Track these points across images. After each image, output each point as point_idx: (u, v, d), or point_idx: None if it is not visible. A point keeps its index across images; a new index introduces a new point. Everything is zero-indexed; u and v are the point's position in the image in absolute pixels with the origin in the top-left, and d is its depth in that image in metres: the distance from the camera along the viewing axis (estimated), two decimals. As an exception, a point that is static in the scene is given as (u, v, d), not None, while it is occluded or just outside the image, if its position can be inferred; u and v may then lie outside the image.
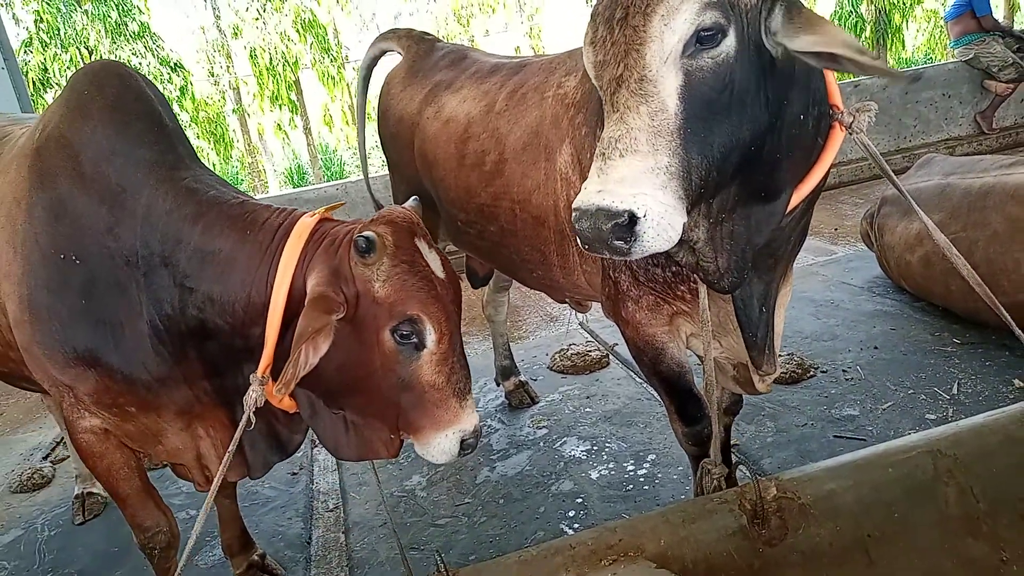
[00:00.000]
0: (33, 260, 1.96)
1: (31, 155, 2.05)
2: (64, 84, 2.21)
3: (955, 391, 3.30)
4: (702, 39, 1.41)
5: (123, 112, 2.06)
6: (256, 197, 2.49)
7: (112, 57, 12.41)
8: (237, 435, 1.89)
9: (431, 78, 3.14)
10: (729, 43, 1.43)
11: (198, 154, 2.31)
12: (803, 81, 1.61)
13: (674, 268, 2.03)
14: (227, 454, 1.90)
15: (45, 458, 4.14)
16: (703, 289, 1.89)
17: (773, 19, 1.47)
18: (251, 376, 1.90)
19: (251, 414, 1.87)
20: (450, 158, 2.82)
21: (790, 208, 1.75)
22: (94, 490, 3.49)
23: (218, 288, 1.95)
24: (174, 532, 2.30)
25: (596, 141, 2.16)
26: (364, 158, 4.04)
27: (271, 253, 1.92)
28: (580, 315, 3.72)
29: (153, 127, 2.09)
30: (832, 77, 1.73)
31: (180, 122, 2.36)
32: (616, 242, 1.35)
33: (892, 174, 1.85)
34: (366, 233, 1.79)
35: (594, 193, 1.36)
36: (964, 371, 3.46)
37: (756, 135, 1.54)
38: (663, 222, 1.36)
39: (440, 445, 1.90)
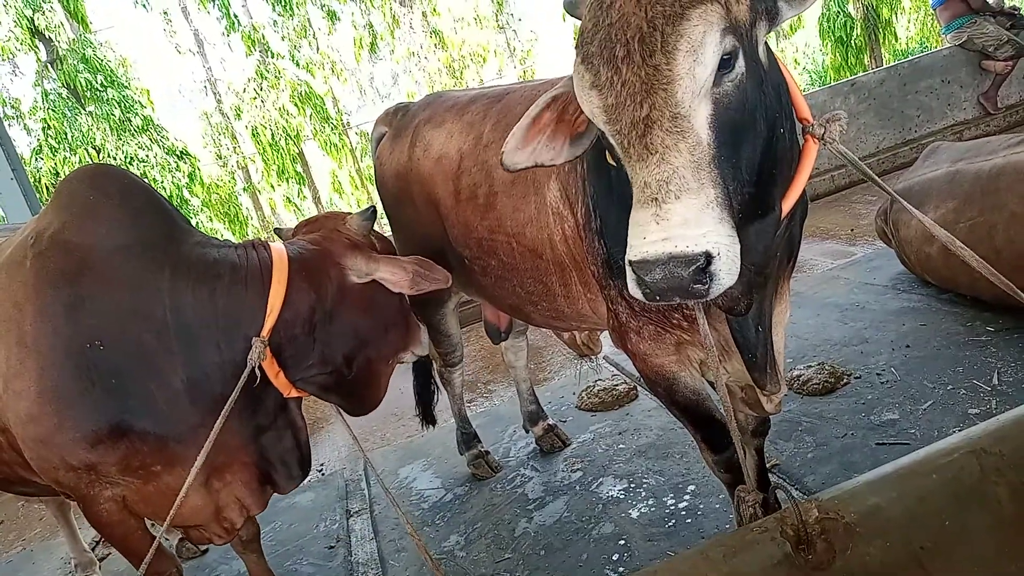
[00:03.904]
0: (53, 354, 2.10)
1: (33, 260, 2.18)
2: (57, 188, 2.37)
3: (995, 381, 3.18)
4: (722, 64, 1.39)
5: (132, 208, 2.28)
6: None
7: (119, 152, 12.74)
8: (241, 383, 2.17)
9: (412, 125, 3.15)
10: (740, 62, 1.43)
11: (212, 235, 2.63)
12: (776, 94, 1.61)
13: None
14: (230, 401, 2.16)
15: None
16: (701, 315, 1.84)
17: (760, 27, 1.48)
18: (253, 339, 2.21)
19: (255, 369, 2.19)
20: (448, 195, 2.81)
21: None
22: None
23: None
24: (180, 569, 2.60)
25: (578, 178, 2.16)
26: None
27: (267, 273, 2.32)
28: (597, 354, 3.67)
29: (159, 213, 2.34)
30: (797, 91, 1.72)
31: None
32: (695, 286, 1.32)
33: (875, 176, 1.81)
34: (366, 209, 2.58)
35: (659, 241, 1.31)
36: (1002, 359, 3.34)
37: (763, 151, 1.54)
38: (731, 255, 1.34)
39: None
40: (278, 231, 2.80)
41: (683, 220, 1.31)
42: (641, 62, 1.36)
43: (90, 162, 12.03)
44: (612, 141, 1.46)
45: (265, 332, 2.23)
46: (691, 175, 1.34)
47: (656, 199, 1.33)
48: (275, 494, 2.60)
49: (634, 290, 1.41)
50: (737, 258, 1.35)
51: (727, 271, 1.33)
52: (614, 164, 1.70)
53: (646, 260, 1.32)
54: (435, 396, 3.87)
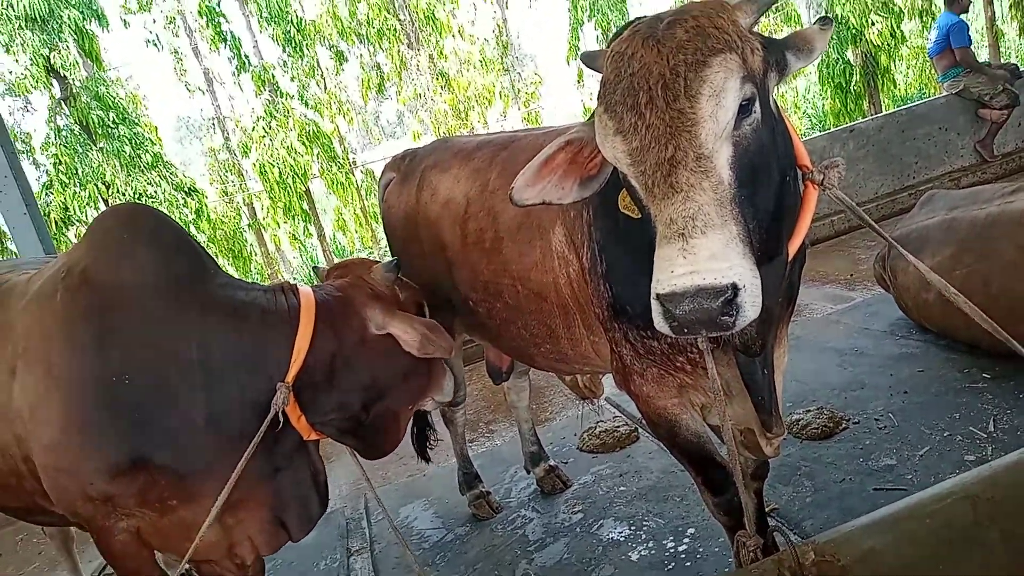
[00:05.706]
0: (80, 385, 2.15)
1: (63, 294, 2.24)
2: (90, 226, 2.44)
3: (991, 428, 3.22)
4: (741, 109, 1.48)
5: (162, 248, 2.34)
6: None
7: (128, 188, 12.91)
8: (264, 427, 2.20)
9: (419, 170, 3.23)
10: (757, 108, 1.52)
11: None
12: (783, 141, 1.70)
13: (669, 340, 2.03)
14: (252, 444, 2.19)
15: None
16: (710, 357, 1.89)
17: (771, 78, 1.58)
18: (278, 384, 2.25)
19: (279, 413, 2.22)
20: (455, 239, 2.88)
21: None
22: None
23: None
24: None
25: (583, 223, 2.23)
26: None
27: (294, 318, 2.35)
28: (599, 397, 3.71)
29: (189, 254, 2.39)
30: (797, 139, 1.79)
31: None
32: (723, 318, 1.37)
33: (873, 223, 1.89)
34: (390, 261, 2.61)
35: (687, 275, 1.37)
36: (998, 406, 3.38)
37: (775, 193, 1.62)
38: (755, 288, 1.40)
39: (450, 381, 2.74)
40: (315, 269, 2.88)
41: (710, 254, 1.37)
42: (665, 106, 1.44)
43: (99, 197, 12.16)
44: (635, 183, 1.53)
45: (290, 377, 2.27)
46: (715, 211, 1.41)
47: (683, 234, 1.39)
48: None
49: (660, 324, 1.45)
50: (760, 291, 1.41)
51: (752, 303, 1.39)
52: (628, 210, 1.77)
53: (675, 293, 1.37)
54: (431, 436, 3.88)
